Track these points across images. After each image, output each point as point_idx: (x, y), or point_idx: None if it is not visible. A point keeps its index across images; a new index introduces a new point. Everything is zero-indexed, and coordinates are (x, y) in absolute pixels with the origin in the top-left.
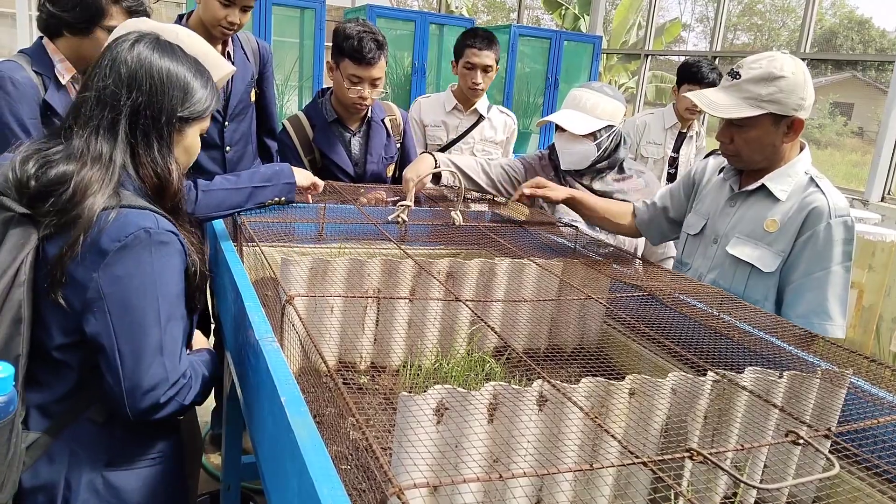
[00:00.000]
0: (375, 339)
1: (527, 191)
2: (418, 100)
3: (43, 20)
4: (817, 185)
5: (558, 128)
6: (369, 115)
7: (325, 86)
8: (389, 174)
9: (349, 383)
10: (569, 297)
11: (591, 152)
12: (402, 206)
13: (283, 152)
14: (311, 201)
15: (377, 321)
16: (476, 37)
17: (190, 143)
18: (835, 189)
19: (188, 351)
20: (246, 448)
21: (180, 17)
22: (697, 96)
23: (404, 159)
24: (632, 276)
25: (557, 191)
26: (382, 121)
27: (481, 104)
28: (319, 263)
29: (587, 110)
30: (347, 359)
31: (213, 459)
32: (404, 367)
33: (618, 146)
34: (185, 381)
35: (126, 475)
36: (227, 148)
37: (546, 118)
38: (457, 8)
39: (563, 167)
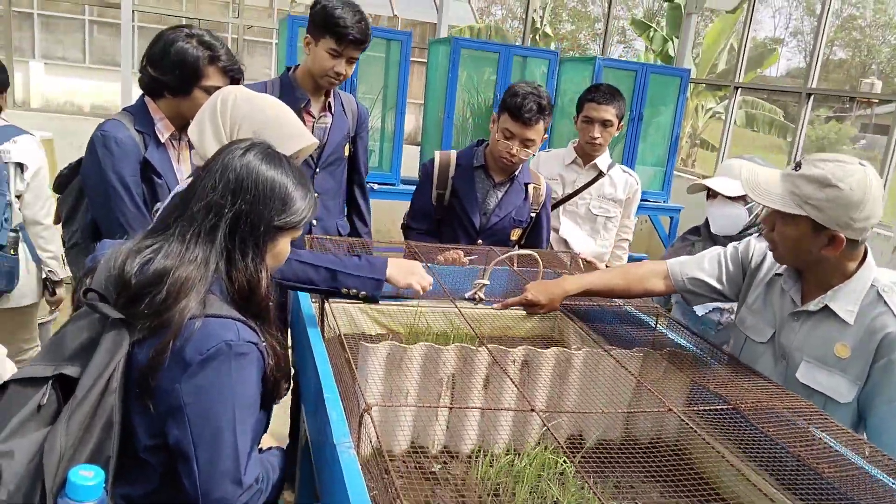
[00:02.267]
0: (448, 426)
1: (509, 301)
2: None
3: (145, 82)
4: (886, 304)
5: (709, 195)
6: (516, 174)
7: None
8: (514, 237)
9: (421, 470)
10: (645, 409)
11: (743, 216)
12: (478, 283)
13: (419, 181)
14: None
15: (450, 408)
16: (597, 91)
17: (280, 249)
18: None
19: (260, 447)
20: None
21: (288, 68)
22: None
23: (535, 230)
24: (715, 377)
25: (552, 301)
26: (526, 185)
27: (602, 160)
28: (396, 350)
29: (737, 177)
30: (420, 442)
31: (287, 497)
32: (477, 454)
33: None
34: (258, 487)
35: None
36: (315, 195)
37: (698, 182)
38: (540, 27)
39: (713, 231)
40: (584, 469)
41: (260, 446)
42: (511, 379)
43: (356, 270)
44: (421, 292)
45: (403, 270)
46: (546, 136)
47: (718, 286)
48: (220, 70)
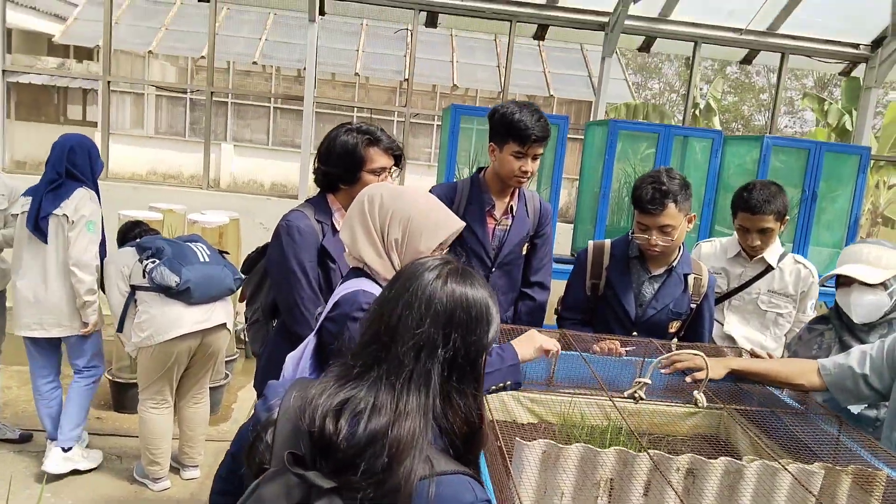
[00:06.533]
0: None
1: (671, 369)
2: (699, 244)
3: (320, 179)
4: None
5: (839, 285)
6: (674, 264)
7: None
8: (672, 330)
9: None
10: None
11: (884, 302)
12: (639, 382)
13: (573, 270)
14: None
15: None
16: (750, 198)
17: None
18: None
19: None
20: None
21: (479, 170)
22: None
23: (696, 322)
24: None
25: (714, 369)
26: (686, 276)
27: (770, 252)
28: (552, 448)
29: (871, 262)
30: None
31: None
32: None
33: None
34: None
35: None
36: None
37: (833, 272)
38: (702, 97)
39: (857, 320)
40: None
41: None
42: (675, 490)
43: (493, 366)
44: (553, 353)
45: (526, 344)
46: (692, 215)
47: (871, 374)
48: (382, 150)
